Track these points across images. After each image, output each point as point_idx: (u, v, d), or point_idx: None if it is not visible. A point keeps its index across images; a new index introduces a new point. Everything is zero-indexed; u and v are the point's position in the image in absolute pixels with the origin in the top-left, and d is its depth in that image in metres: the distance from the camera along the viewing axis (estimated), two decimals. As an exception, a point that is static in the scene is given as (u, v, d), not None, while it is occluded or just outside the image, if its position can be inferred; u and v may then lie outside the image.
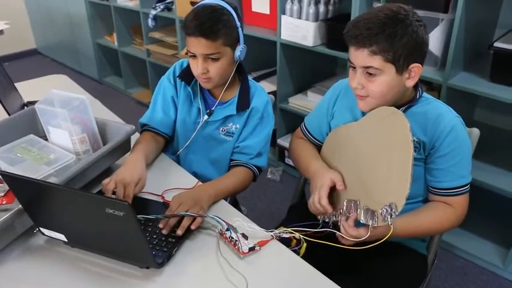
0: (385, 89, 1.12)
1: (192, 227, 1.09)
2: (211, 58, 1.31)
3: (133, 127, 1.37)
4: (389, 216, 1.03)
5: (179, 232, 1.07)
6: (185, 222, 1.10)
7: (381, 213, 1.05)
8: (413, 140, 1.03)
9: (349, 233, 1.08)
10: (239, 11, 1.35)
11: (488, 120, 2.31)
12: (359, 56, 1.11)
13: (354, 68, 1.16)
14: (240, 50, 1.35)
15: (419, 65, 1.12)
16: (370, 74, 1.11)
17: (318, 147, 1.41)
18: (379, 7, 1.13)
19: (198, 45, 1.28)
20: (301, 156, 1.39)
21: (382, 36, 1.06)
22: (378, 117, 1.14)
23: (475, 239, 2.17)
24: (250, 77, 1.48)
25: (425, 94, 1.24)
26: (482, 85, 1.87)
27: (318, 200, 1.18)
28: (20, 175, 0.95)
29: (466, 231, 2.19)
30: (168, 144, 1.54)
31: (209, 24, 1.25)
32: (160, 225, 1.10)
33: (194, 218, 1.11)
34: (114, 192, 1.17)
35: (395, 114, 1.09)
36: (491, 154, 2.02)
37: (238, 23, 1.33)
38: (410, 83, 1.14)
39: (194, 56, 1.32)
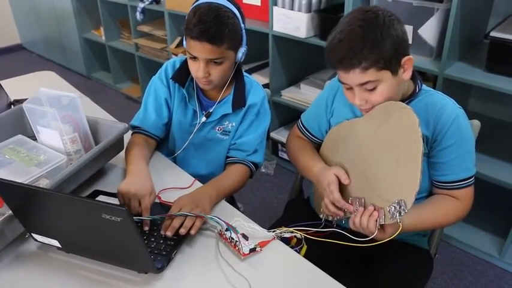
0: (389, 94, 1.10)
1: (192, 232, 1.06)
2: (214, 62, 1.26)
3: (126, 125, 1.33)
4: (398, 214, 1.00)
5: (182, 231, 1.04)
6: (188, 222, 1.06)
7: (389, 211, 1.02)
8: (425, 140, 1.00)
9: (370, 229, 1.05)
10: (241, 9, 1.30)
11: (482, 110, 2.30)
12: (351, 77, 1.08)
13: (349, 87, 1.13)
14: (242, 52, 1.31)
15: (409, 56, 1.09)
16: (369, 88, 1.09)
17: (317, 145, 1.38)
18: (347, 18, 1.08)
19: (201, 49, 1.23)
20: (301, 158, 1.36)
21: (366, 49, 1.02)
22: (385, 112, 1.11)
23: (471, 230, 2.17)
24: (244, 71, 1.43)
25: (424, 86, 1.22)
26: (479, 75, 1.85)
27: (331, 198, 1.14)
28: (9, 180, 0.91)
29: (462, 222, 2.18)
30: (159, 146, 1.49)
31: (215, 30, 1.20)
32: (162, 232, 1.06)
33: (194, 223, 1.07)
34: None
35: (403, 110, 1.06)
36: (486, 144, 2.00)
37: (242, 25, 1.29)
38: (407, 76, 1.11)
39: (195, 58, 1.27)
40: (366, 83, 1.07)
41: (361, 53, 1.03)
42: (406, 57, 1.08)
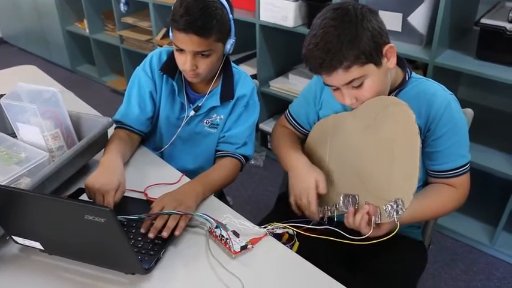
0: (378, 88, 1.08)
1: (176, 233, 1.01)
2: (202, 54, 1.22)
3: (110, 119, 1.29)
4: (395, 213, 0.98)
5: (165, 234, 1.00)
6: (170, 223, 1.02)
7: (385, 210, 0.99)
8: (419, 132, 0.97)
9: (364, 230, 1.03)
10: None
11: (472, 98, 2.29)
12: (336, 78, 1.06)
13: (336, 88, 1.10)
14: (230, 44, 1.27)
15: (389, 44, 1.07)
16: (355, 85, 1.07)
17: (304, 136, 1.36)
18: (318, 20, 1.05)
19: (188, 42, 1.18)
20: (281, 147, 1.33)
21: (344, 48, 1.00)
22: (376, 107, 1.08)
23: (462, 219, 2.17)
24: (231, 61, 1.39)
25: (414, 74, 1.19)
26: (470, 63, 1.84)
27: (307, 206, 1.14)
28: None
29: (454, 211, 2.17)
30: (145, 140, 1.45)
31: (202, 21, 1.16)
32: (142, 230, 1.02)
33: (178, 222, 1.03)
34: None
35: (397, 105, 1.03)
36: (476, 132, 2.00)
37: (230, 16, 1.25)
38: (392, 64, 1.09)
39: (181, 50, 1.23)
40: (352, 81, 1.05)
41: (340, 53, 1.00)
42: (387, 46, 1.06)
